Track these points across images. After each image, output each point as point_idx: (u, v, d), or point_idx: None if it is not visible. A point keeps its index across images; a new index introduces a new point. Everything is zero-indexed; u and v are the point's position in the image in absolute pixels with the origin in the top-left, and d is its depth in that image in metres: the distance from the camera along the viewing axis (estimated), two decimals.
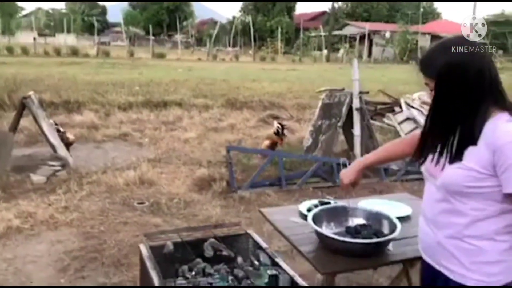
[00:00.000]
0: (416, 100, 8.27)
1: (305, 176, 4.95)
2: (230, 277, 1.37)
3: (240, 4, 53.82)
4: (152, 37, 33.26)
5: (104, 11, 60.98)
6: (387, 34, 40.62)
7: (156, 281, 1.32)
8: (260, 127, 8.02)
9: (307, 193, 4.76)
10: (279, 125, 6.08)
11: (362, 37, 38.80)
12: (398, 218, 2.06)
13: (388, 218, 2.02)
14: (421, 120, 7.43)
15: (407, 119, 7.83)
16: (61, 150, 5.38)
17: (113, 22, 59.80)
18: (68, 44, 32.76)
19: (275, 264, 1.46)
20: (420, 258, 1.69)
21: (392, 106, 8.77)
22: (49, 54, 26.26)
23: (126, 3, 59.68)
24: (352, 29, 42.66)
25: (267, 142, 6.03)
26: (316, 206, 2.31)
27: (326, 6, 48.98)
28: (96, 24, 39.41)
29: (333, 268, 1.83)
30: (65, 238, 3.54)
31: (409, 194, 2.58)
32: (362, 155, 5.41)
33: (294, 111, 9.60)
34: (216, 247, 1.55)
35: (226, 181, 4.85)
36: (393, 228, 1.93)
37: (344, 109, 5.47)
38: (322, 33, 37.61)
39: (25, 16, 52.67)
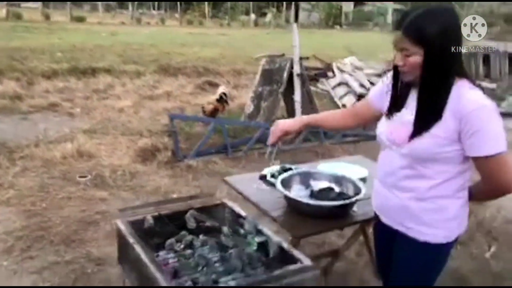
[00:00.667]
0: (348, 65, 8.54)
1: (250, 143, 4.99)
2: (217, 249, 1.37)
3: None
4: None
5: None
6: None
7: (143, 256, 1.28)
8: (197, 94, 7.88)
9: (253, 159, 4.82)
10: (223, 93, 6.02)
11: (289, 1, 38.94)
12: (359, 179, 2.16)
13: (351, 180, 2.11)
14: (354, 84, 7.72)
15: (340, 83, 8.10)
16: None
17: None
18: None
19: (259, 232, 1.47)
20: (375, 217, 1.79)
21: (325, 71, 8.99)
22: None
23: None
24: None
25: (210, 107, 5.95)
26: (279, 172, 2.35)
27: None
28: None
29: (303, 232, 1.89)
30: (4, 218, 3.31)
31: (363, 157, 2.70)
32: None
33: (230, 77, 9.53)
34: (198, 218, 1.54)
35: (171, 150, 4.76)
36: (357, 190, 2.02)
37: (285, 75, 5.52)
38: None
39: None
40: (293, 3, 36.46)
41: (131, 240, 1.39)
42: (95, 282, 2.65)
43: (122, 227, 1.48)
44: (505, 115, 5.56)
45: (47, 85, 7.80)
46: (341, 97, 7.70)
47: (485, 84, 8.20)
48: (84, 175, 4.13)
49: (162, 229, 1.48)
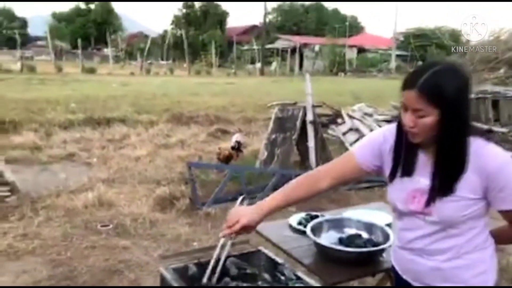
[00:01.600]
0: (357, 111, 8.73)
1: (267, 189, 5.06)
2: None
3: (171, 18, 53.41)
4: (80, 51, 32.01)
5: (25, 24, 57.84)
6: (316, 47, 42.22)
7: None
8: (210, 142, 8.05)
9: None
10: (237, 141, 6.18)
11: (293, 51, 40.05)
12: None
13: (379, 227, 2.17)
14: (364, 130, 7.86)
15: (350, 129, 8.24)
16: (8, 174, 5.08)
17: (35, 36, 56.92)
18: None
19: (298, 278, 1.53)
20: None
21: (334, 118, 9.17)
22: None
23: (49, 16, 57.00)
24: (283, 42, 43.92)
25: (226, 153, 6.10)
26: (306, 220, 2.43)
27: (256, 20, 49.94)
28: (18, 37, 37.19)
29: (335, 278, 1.94)
30: (31, 268, 3.36)
31: (385, 204, 2.77)
32: (317, 165, 5.64)
33: (240, 124, 9.73)
34: (239, 265, 1.60)
35: (189, 198, 4.84)
36: (385, 237, 2.08)
37: (298, 123, 5.68)
38: (255, 47, 38.34)
39: None
40: (296, 53, 37.20)
41: (175, 285, 1.46)
42: None
43: (167, 274, 1.55)
44: None
45: (64, 135, 8.02)
46: (351, 143, 7.81)
47: (496, 128, 8.32)
48: (105, 224, 4.20)
49: (202, 273, 1.55)
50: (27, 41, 52.68)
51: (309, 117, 5.61)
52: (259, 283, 1.55)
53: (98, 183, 5.33)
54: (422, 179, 1.48)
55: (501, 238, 1.61)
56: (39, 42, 50.87)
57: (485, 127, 8.12)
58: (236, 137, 6.49)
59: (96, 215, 4.44)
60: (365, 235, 2.17)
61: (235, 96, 14.86)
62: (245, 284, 1.50)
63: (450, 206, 1.43)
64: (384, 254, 2.05)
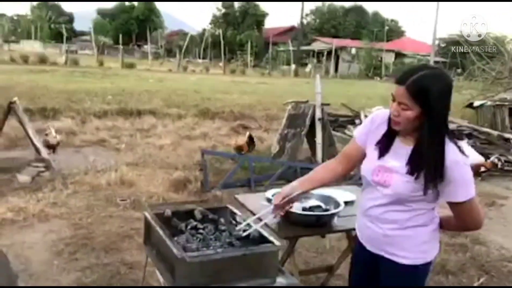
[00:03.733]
0: None
1: (273, 178, 5.50)
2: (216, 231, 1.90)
3: (210, 17, 54.47)
4: (121, 47, 33.41)
5: (71, 19, 60.39)
6: (353, 51, 42.14)
7: (162, 234, 1.82)
8: (231, 135, 8.53)
9: None
10: (249, 136, 6.67)
11: (329, 53, 40.17)
12: (345, 202, 2.62)
13: (335, 200, 2.58)
14: None
15: None
16: (44, 153, 5.73)
17: (80, 31, 59.29)
18: (36, 52, 32.44)
19: (247, 224, 1.98)
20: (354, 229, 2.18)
21: (353, 119, 9.49)
22: (16, 61, 25.99)
23: (94, 12, 59.29)
24: (320, 44, 44.05)
25: (240, 142, 6.62)
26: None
27: (295, 21, 50.31)
28: (64, 32, 39.10)
29: (289, 234, 2.38)
30: (57, 229, 3.94)
31: (356, 186, 3.16)
32: (323, 160, 6.03)
33: (263, 121, 10.19)
34: (203, 212, 2.07)
35: (200, 182, 5.34)
36: (337, 207, 2.49)
37: (308, 119, 6.08)
38: (291, 48, 38.72)
39: None
40: (332, 55, 37.18)
41: (153, 224, 1.93)
42: (126, 281, 3.18)
43: (149, 216, 2.03)
44: None
45: (98, 123, 8.72)
46: None
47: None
48: (124, 199, 4.76)
49: (177, 218, 2.02)
50: (73, 35, 55.06)
51: (318, 114, 6.00)
52: (216, 225, 1.99)
53: (122, 166, 5.92)
54: (391, 160, 1.78)
55: (447, 224, 1.91)
56: (84, 37, 53.13)
57: (506, 135, 8.24)
58: (248, 133, 6.99)
59: (117, 192, 5.00)
60: (324, 206, 2.58)
61: (264, 96, 15.33)
62: (204, 225, 1.95)
63: (404, 185, 1.73)
64: (336, 221, 2.47)
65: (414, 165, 1.71)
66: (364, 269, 2.05)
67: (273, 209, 2.03)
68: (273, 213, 2.05)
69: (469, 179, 1.71)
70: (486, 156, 7.16)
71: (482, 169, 6.82)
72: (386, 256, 1.88)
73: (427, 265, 1.88)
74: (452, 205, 1.76)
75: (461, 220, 1.81)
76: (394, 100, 1.69)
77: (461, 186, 1.70)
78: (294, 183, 2.07)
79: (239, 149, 6.56)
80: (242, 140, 6.76)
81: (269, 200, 2.68)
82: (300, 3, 39.32)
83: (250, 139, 6.68)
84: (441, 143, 1.68)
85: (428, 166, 1.68)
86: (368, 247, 1.95)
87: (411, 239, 1.83)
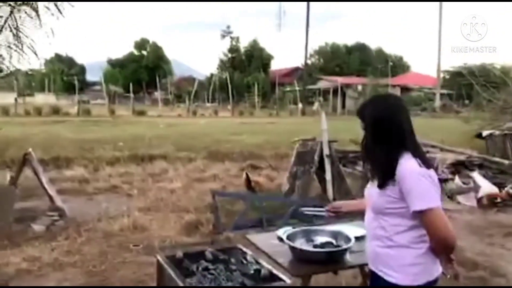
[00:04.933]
0: None
1: (285, 217, 5.48)
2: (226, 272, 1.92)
3: (217, 62, 55.76)
4: (132, 95, 34.18)
5: (83, 70, 62.11)
6: (359, 87, 42.55)
7: (174, 276, 1.84)
8: (240, 176, 8.56)
9: None
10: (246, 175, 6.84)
11: (335, 91, 40.61)
12: (356, 237, 2.63)
13: (345, 236, 2.58)
14: None
15: None
16: (58, 201, 5.82)
17: (92, 81, 60.84)
18: (49, 103, 33.27)
19: (257, 262, 2.00)
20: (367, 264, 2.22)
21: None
22: (30, 113, 26.66)
23: (105, 62, 61.04)
24: (325, 83, 44.61)
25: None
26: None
27: (299, 62, 51.26)
28: (76, 83, 40.19)
29: (301, 272, 2.38)
30: (71, 277, 3.96)
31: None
32: (334, 197, 6.03)
33: (272, 161, 10.24)
34: (214, 253, 2.09)
35: (212, 224, 5.35)
36: (348, 243, 2.50)
37: (316, 156, 6.13)
38: (297, 88, 39.26)
39: (2, 77, 53.17)
40: (338, 93, 37.53)
41: (165, 266, 1.96)
42: None
43: (160, 259, 2.06)
44: None
45: (110, 170, 8.85)
46: None
47: None
48: (137, 244, 4.77)
49: (189, 260, 2.05)
50: (85, 86, 56.48)
51: (325, 151, 6.05)
52: (227, 265, 2.01)
53: (134, 211, 5.96)
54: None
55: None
56: (95, 87, 54.47)
57: None
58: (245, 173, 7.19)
59: (130, 237, 5.02)
60: (335, 242, 2.58)
61: (273, 135, 15.45)
62: (215, 265, 1.98)
63: (379, 198, 1.93)
64: (348, 257, 2.47)
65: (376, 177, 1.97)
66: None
67: (326, 210, 2.47)
68: (326, 213, 2.48)
69: (426, 189, 1.83)
70: (500, 186, 7.09)
71: (498, 199, 6.74)
72: (377, 272, 2.00)
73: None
74: (417, 216, 1.86)
75: (429, 232, 1.86)
76: None
77: (418, 195, 1.82)
78: (341, 202, 2.58)
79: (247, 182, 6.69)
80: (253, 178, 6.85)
81: (280, 239, 2.69)
82: (303, 45, 40.15)
83: (248, 179, 6.77)
84: (386, 156, 1.88)
85: (377, 174, 1.94)
86: (369, 265, 2.09)
87: (395, 259, 1.93)
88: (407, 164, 1.86)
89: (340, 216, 2.51)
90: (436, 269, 1.97)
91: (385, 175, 1.90)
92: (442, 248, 1.89)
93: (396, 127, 1.92)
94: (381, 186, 1.92)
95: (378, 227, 1.97)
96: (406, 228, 1.92)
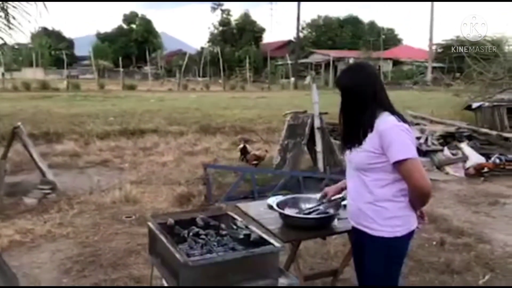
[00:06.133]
0: None
1: (276, 188, 5.54)
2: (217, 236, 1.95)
3: (208, 35, 55.03)
4: (121, 69, 33.76)
5: (71, 45, 60.99)
6: (351, 61, 42.33)
7: (166, 242, 1.87)
8: (232, 150, 8.60)
9: None
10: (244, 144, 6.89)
11: (327, 64, 40.43)
12: (345, 205, 2.67)
13: (335, 203, 2.63)
14: None
15: None
16: (50, 175, 5.81)
17: (81, 56, 59.85)
18: (37, 78, 32.77)
19: (247, 227, 2.04)
20: None
21: None
22: (18, 88, 26.28)
23: (94, 36, 59.94)
24: (318, 56, 44.35)
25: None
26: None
27: (291, 35, 50.80)
28: (65, 58, 39.55)
29: (291, 237, 2.43)
30: (64, 248, 4.00)
31: None
32: (324, 168, 6.09)
33: (264, 134, 10.25)
34: (205, 220, 2.13)
35: (204, 195, 5.40)
36: (337, 209, 2.55)
37: (307, 129, 6.15)
38: (289, 62, 38.99)
39: None
40: (330, 67, 37.34)
41: (157, 232, 1.99)
42: None
43: (152, 226, 2.09)
44: None
45: (101, 144, 8.83)
46: None
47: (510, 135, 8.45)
48: (129, 216, 4.82)
49: (180, 227, 2.08)
50: (73, 60, 55.55)
51: (316, 123, 6.07)
52: (217, 230, 2.05)
53: (126, 184, 5.98)
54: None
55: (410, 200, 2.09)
56: (84, 62, 53.62)
57: (505, 134, 8.28)
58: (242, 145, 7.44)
59: (122, 209, 5.06)
60: (322, 209, 2.63)
61: (264, 109, 15.42)
62: (206, 231, 2.01)
63: (359, 155, 2.06)
64: (335, 223, 2.52)
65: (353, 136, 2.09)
66: (355, 247, 2.34)
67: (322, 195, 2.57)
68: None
69: (406, 141, 1.97)
70: (487, 156, 7.19)
71: (485, 169, 6.85)
72: (362, 229, 2.12)
73: (399, 239, 2.06)
74: (397, 167, 1.98)
75: (407, 180, 1.99)
76: None
77: (398, 146, 1.95)
78: (332, 187, 2.60)
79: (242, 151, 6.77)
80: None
81: (270, 207, 2.74)
82: (295, 17, 39.72)
83: (244, 150, 6.81)
84: (365, 114, 2.03)
85: (354, 130, 2.07)
86: (352, 223, 2.23)
87: (379, 212, 2.06)
88: (388, 120, 2.01)
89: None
90: (413, 221, 2.12)
91: (365, 130, 2.03)
92: (418, 196, 2.02)
93: (373, 89, 2.07)
94: (361, 142, 2.04)
95: (361, 184, 2.10)
96: (388, 182, 2.05)
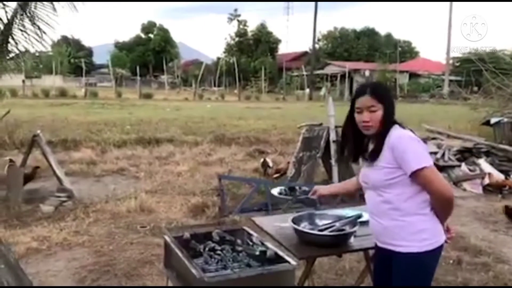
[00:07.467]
0: None
1: (289, 202, 5.51)
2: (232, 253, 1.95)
3: (224, 46, 55.44)
4: (138, 78, 34.17)
5: (90, 53, 62.01)
6: (367, 73, 42.19)
7: (181, 257, 1.88)
8: (247, 161, 8.62)
9: None
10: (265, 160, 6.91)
11: (343, 76, 40.31)
12: (361, 222, 2.65)
13: (350, 220, 2.61)
14: None
15: None
16: (67, 183, 5.89)
17: (99, 64, 60.79)
18: (56, 86, 33.35)
19: (263, 244, 2.03)
20: (373, 247, 2.27)
21: None
22: (38, 95, 26.78)
23: (112, 45, 60.86)
24: (333, 68, 44.26)
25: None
26: (285, 190, 2.97)
27: (307, 47, 50.87)
28: (83, 66, 40.19)
29: (305, 255, 2.41)
30: (80, 256, 4.04)
31: None
32: (339, 181, 6.04)
33: (278, 145, 10.25)
34: (221, 235, 2.13)
35: (218, 207, 5.41)
36: (354, 227, 2.52)
37: (322, 142, 6.13)
38: (304, 73, 39.01)
39: (11, 59, 53.09)
40: (346, 78, 37.31)
41: (173, 246, 2.00)
42: None
43: (168, 239, 2.10)
44: None
45: (117, 153, 8.92)
46: None
47: None
48: (144, 226, 4.84)
49: (196, 241, 2.09)
50: (92, 68, 56.45)
51: (332, 136, 6.05)
52: (233, 246, 2.05)
53: (141, 193, 6.03)
54: (362, 160, 2.15)
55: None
56: (102, 70, 54.46)
57: None
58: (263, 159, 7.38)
59: (137, 219, 5.10)
60: (339, 225, 2.61)
61: (279, 120, 15.42)
62: (222, 246, 2.01)
63: (375, 173, 2.03)
64: (352, 240, 2.50)
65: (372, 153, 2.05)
66: (380, 267, 2.26)
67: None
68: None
69: (418, 149, 1.95)
70: (506, 174, 7.07)
71: (504, 187, 6.73)
72: (390, 248, 2.07)
73: (428, 253, 2.01)
74: (414, 178, 1.95)
75: (427, 189, 1.97)
76: (361, 112, 2.04)
77: (412, 156, 1.93)
78: (326, 186, 2.69)
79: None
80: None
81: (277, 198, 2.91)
82: (312, 29, 39.75)
83: (265, 163, 6.79)
84: (387, 126, 2.01)
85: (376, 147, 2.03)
86: (378, 244, 2.18)
87: (405, 228, 2.02)
88: (398, 132, 2.01)
89: (326, 198, 2.77)
90: (441, 235, 2.07)
91: (378, 146, 2.01)
92: (441, 204, 2.00)
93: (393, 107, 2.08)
94: (375, 158, 2.02)
95: (382, 201, 2.06)
96: (410, 195, 2.02)
